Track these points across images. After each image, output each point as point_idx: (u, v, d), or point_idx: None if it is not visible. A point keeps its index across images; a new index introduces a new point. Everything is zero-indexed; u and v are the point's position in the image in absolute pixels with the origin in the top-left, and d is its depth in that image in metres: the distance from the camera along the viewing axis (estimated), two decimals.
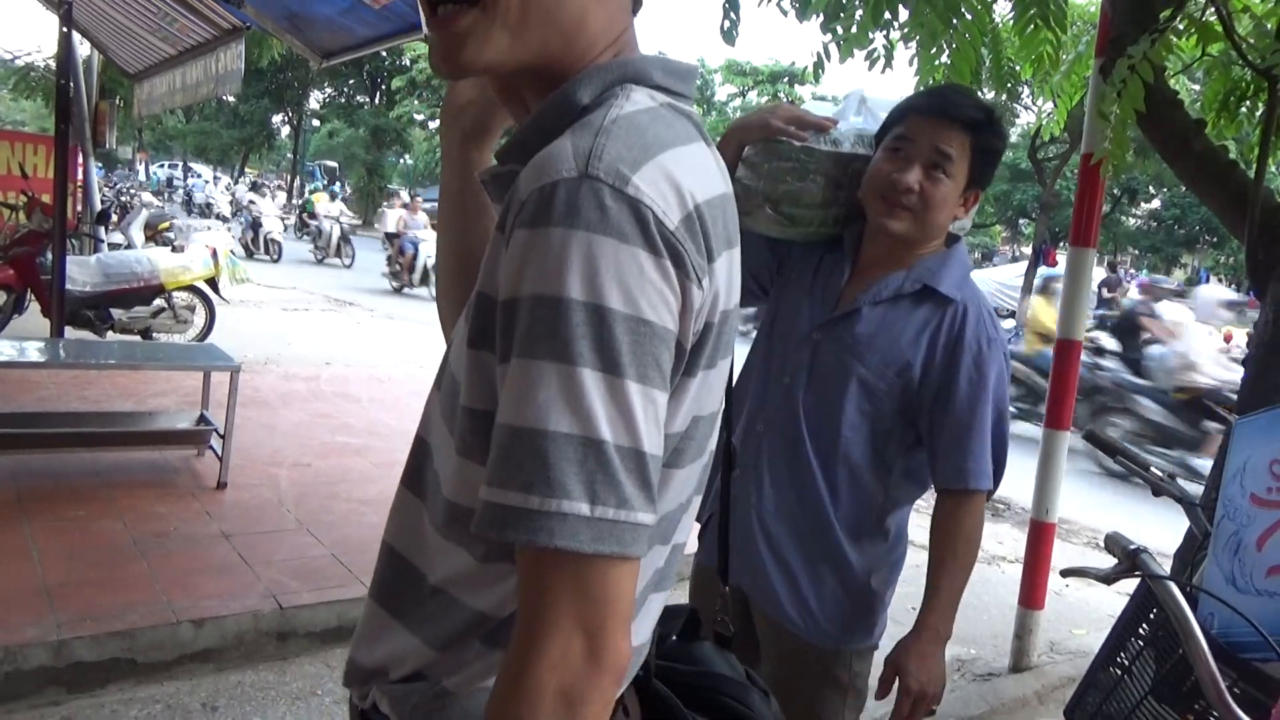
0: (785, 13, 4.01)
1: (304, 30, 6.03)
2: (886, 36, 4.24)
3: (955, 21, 3.09)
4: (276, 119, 43.96)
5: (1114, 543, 1.51)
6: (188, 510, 3.84)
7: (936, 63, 3.30)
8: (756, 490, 1.63)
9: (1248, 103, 3.38)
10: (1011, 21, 3.26)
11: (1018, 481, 6.71)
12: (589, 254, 0.64)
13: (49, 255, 6.18)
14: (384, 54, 33.56)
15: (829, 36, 4.13)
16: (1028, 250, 49.61)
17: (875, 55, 4.20)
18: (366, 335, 9.84)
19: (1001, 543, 5.21)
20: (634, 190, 0.66)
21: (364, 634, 0.86)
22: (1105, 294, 17.33)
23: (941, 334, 1.55)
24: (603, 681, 0.65)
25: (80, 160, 9.35)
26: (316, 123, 50.02)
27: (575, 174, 0.66)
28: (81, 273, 6.54)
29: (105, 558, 3.30)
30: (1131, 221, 38.05)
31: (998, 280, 24.09)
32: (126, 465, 4.28)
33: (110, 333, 6.80)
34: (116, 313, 6.77)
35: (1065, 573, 1.70)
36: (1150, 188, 30.31)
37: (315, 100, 41.73)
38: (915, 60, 4.40)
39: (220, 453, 4.16)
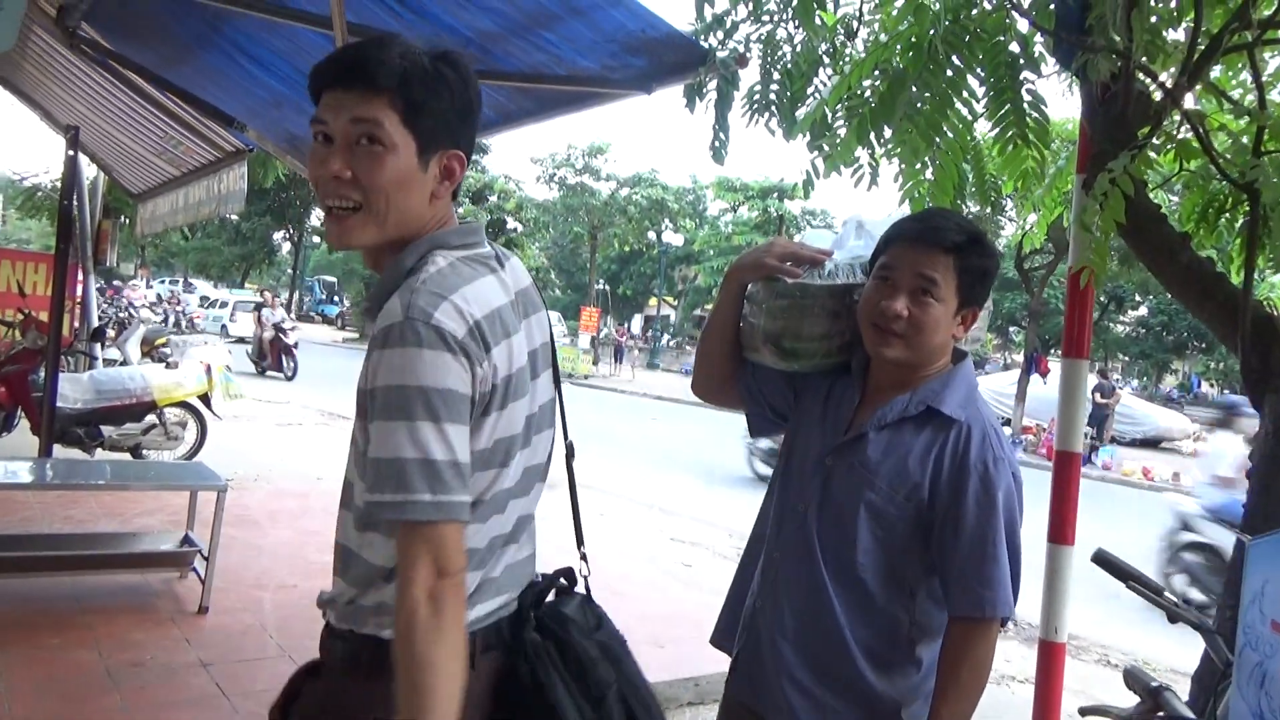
0: (773, 132, 4.12)
1: (304, 151, 6.17)
2: (871, 155, 4.35)
3: (938, 140, 3.16)
4: (277, 236, 44.83)
5: (1135, 680, 1.44)
6: (166, 637, 3.71)
7: (920, 179, 3.36)
8: (777, 618, 1.62)
9: (1226, 215, 3.44)
10: (993, 139, 3.34)
11: (1027, 597, 6.57)
12: (413, 359, 1.13)
13: (42, 373, 6.17)
14: None
15: (816, 154, 4.24)
16: (1018, 358, 50.17)
17: (860, 172, 4.30)
18: None
19: (1009, 661, 5.05)
20: (436, 321, 1.15)
21: (331, 586, 1.36)
22: (1099, 399, 17.41)
23: (946, 456, 1.53)
24: (453, 583, 1.13)
25: (80, 278, 9.46)
26: (316, 239, 51.06)
27: (401, 319, 1.15)
28: (74, 389, 6.51)
29: (77, 690, 3.16)
30: (1120, 328, 38.54)
31: (992, 388, 24.19)
32: (107, 590, 4.15)
33: (100, 449, 6.73)
34: (107, 429, 6.71)
35: (1084, 711, 1.61)
36: (1137, 295, 30.77)
37: (316, 218, 42.61)
38: (899, 177, 4.51)
39: (203, 575, 4.05)
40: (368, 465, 1.15)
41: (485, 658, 1.27)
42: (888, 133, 3.81)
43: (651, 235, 32.98)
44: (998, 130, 3.30)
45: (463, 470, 1.15)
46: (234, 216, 43.78)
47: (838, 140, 4.33)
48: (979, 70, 3.11)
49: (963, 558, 1.49)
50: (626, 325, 49.95)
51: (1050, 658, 3.11)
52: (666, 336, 44.87)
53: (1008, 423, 18.81)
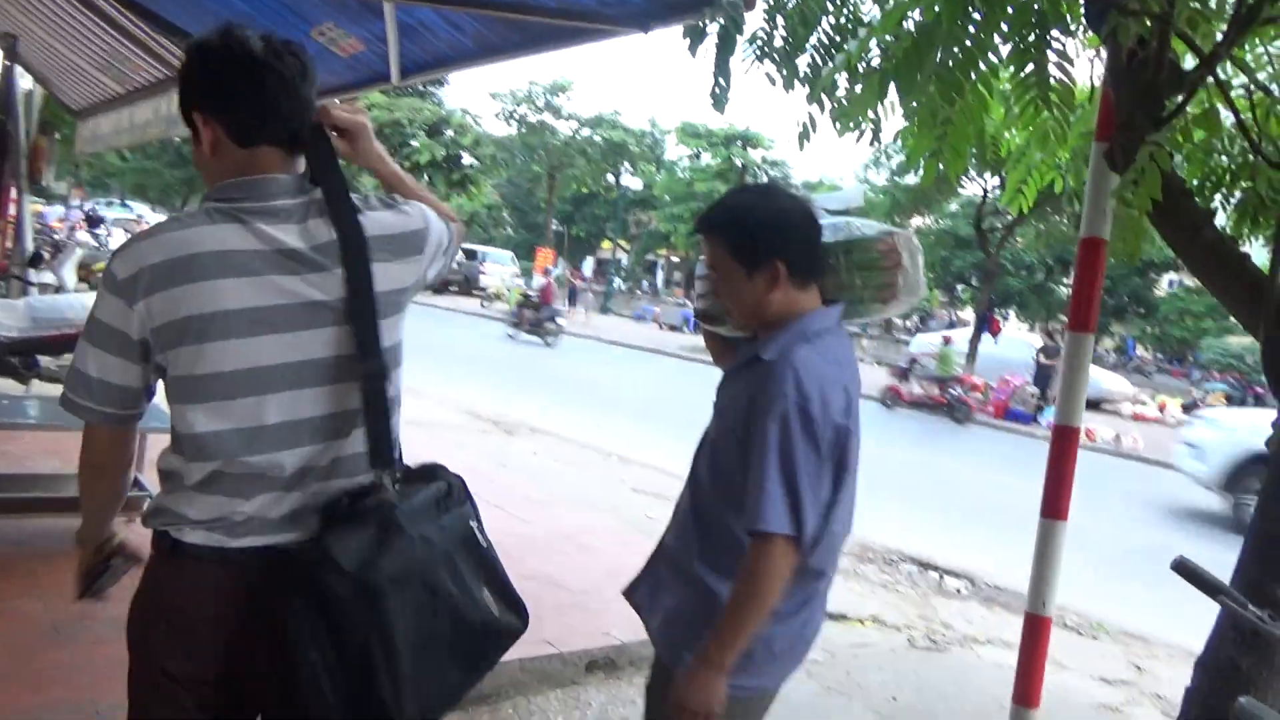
0: (773, 81, 3.94)
1: None
2: (877, 111, 4.19)
3: (956, 101, 3.02)
4: None
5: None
6: (120, 588, 3.50)
7: (932, 140, 3.23)
8: (664, 541, 1.98)
9: (1223, 191, 3.35)
10: (1013, 99, 3.21)
11: (980, 554, 6.70)
12: (97, 292, 1.42)
13: None
14: (337, 99, 33.33)
15: (815, 106, 4.07)
16: (963, 315, 50.96)
17: (863, 128, 4.16)
18: None
19: (971, 622, 5.09)
20: (110, 265, 1.41)
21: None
22: (1043, 360, 17.71)
23: (752, 393, 1.72)
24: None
25: (14, 197, 8.93)
26: None
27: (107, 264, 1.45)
28: (7, 317, 6.10)
29: (21, 646, 2.97)
30: (1064, 290, 39.29)
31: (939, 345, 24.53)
32: (50, 534, 3.92)
33: (36, 381, 6.37)
34: (44, 360, 6.34)
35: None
36: None
37: None
38: (903, 137, 4.36)
39: None
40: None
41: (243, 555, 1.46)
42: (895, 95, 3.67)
43: (610, 178, 32.49)
44: (1018, 90, 3.18)
45: (93, 384, 1.43)
46: (177, 139, 41.99)
47: (840, 95, 4.17)
48: (1003, 27, 2.97)
49: (749, 479, 1.66)
50: (579, 267, 49.54)
51: (1036, 630, 3.09)
52: (618, 281, 44.56)
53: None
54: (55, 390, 6.58)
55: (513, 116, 30.10)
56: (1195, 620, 3.00)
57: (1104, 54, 3.01)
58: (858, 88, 3.78)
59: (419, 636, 1.43)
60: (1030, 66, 3.07)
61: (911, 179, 20.72)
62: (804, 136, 4.12)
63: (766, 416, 1.64)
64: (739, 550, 1.67)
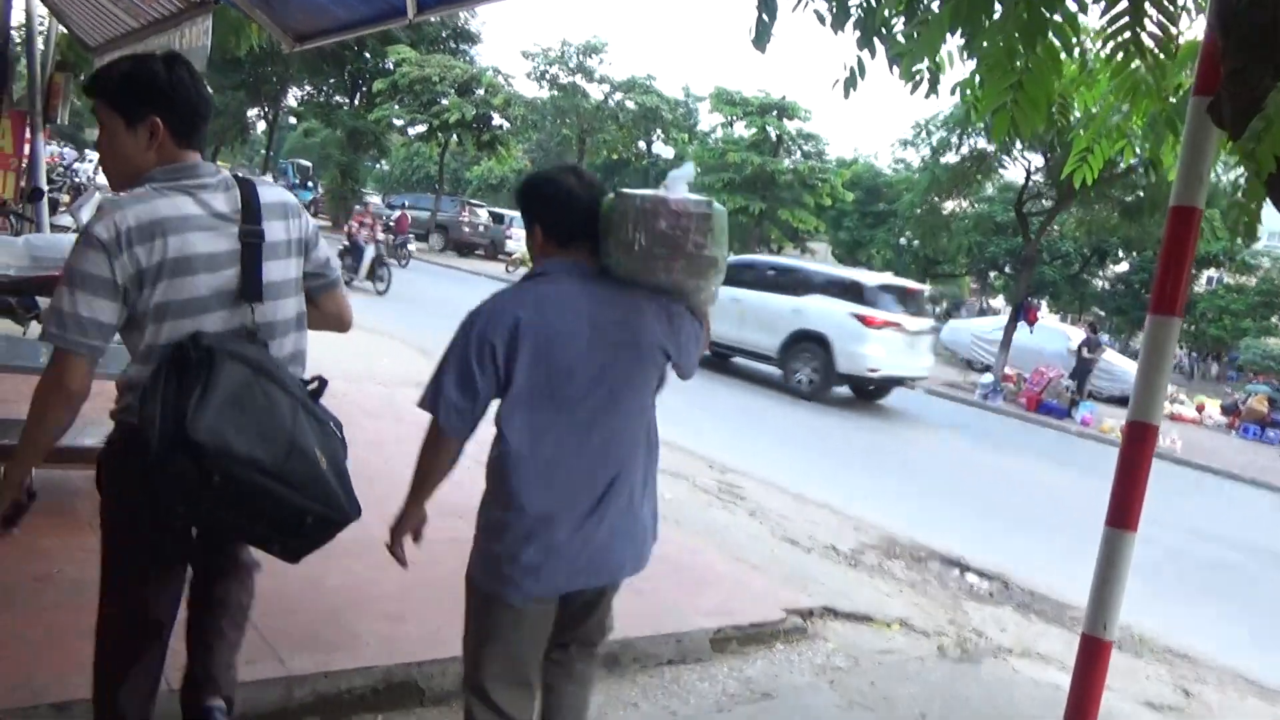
0: (822, 20, 3.54)
1: (276, 8, 5.48)
2: (936, 57, 3.78)
3: (1037, 42, 2.62)
4: (252, 113, 43.02)
5: None
6: (81, 548, 3.21)
7: (1005, 92, 2.82)
8: None
9: None
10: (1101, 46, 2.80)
11: (1011, 554, 6.34)
12: (74, 250, 1.82)
13: None
14: (367, 55, 32.91)
15: (866, 51, 3.67)
16: (995, 303, 50.03)
17: (919, 77, 3.75)
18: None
19: (1005, 630, 4.72)
20: (91, 229, 1.81)
21: None
22: (1085, 354, 17.14)
23: None
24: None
25: (28, 135, 8.69)
26: (293, 120, 49.09)
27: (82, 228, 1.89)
28: (7, 254, 5.86)
29: None
30: (1099, 283, 38.38)
31: (974, 331, 23.95)
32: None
33: (35, 323, 6.12)
34: (44, 302, 6.09)
35: None
36: (1120, 250, 30.44)
37: (293, 98, 40.86)
38: (963, 89, 3.93)
39: None
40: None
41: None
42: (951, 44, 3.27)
43: (641, 145, 31.89)
44: (1105, 37, 2.77)
45: (84, 320, 1.79)
46: (207, 88, 41.72)
47: (898, 37, 3.77)
48: None
49: None
50: None
51: (1094, 655, 2.72)
52: None
53: (989, 369, 18.56)
54: None
55: (544, 77, 29.47)
56: (1243, 641, 2.62)
57: None
58: (916, 32, 3.37)
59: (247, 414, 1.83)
60: (1123, 5, 2.67)
61: (951, 158, 20.04)
62: (850, 84, 3.73)
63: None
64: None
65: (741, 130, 29.78)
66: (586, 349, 2.04)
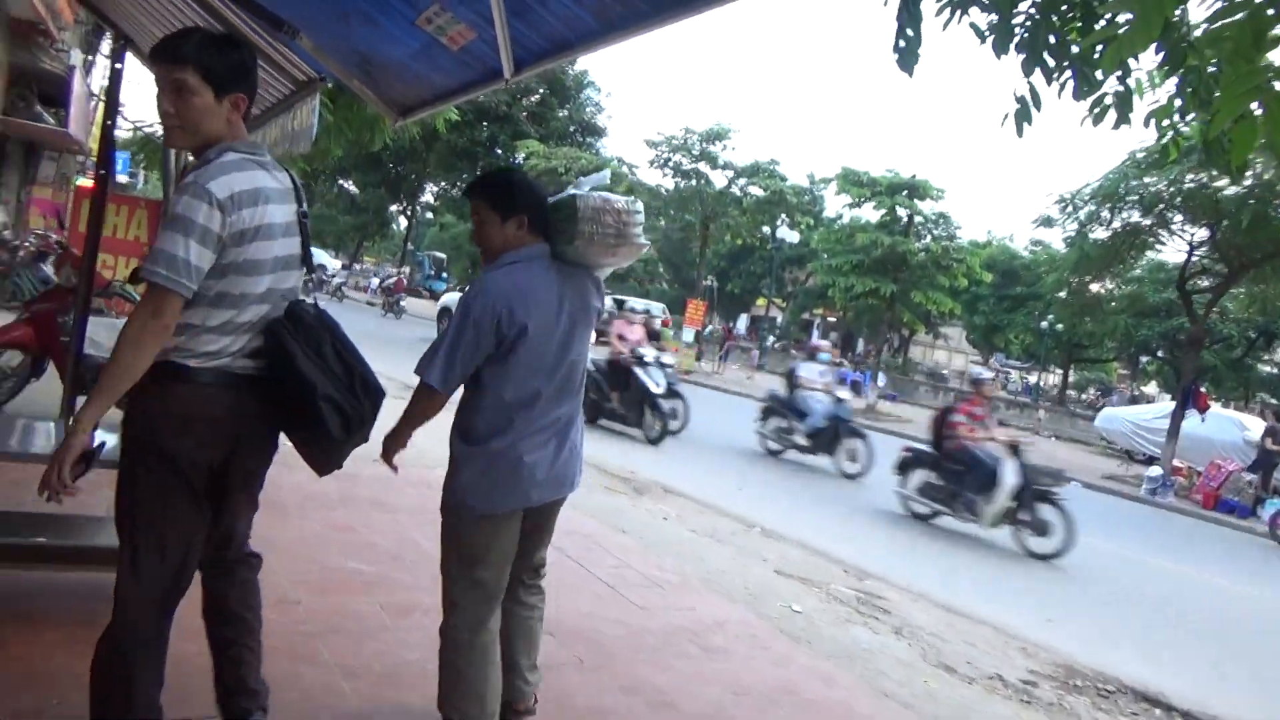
0: (982, 37, 2.90)
1: (377, 78, 5.25)
2: (1122, 79, 3.07)
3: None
4: (392, 208, 45.21)
5: None
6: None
7: (1248, 92, 2.09)
8: None
9: None
10: None
11: (1213, 691, 5.23)
12: (184, 201, 2.03)
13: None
14: (498, 150, 34.08)
15: (1040, 75, 3.00)
16: (1147, 389, 46.63)
17: (1104, 104, 3.04)
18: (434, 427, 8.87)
19: None
20: (207, 187, 2.03)
21: None
22: (1270, 445, 15.23)
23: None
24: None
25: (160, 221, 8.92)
26: (430, 215, 51.29)
27: (192, 180, 2.08)
28: (107, 336, 5.75)
29: None
30: (1267, 368, 35.22)
31: (1132, 419, 21.92)
32: (44, 587, 3.26)
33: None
34: None
35: None
36: None
37: (430, 193, 42.74)
38: (1158, 118, 3.21)
39: None
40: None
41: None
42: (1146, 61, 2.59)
43: (765, 230, 31.43)
44: None
45: (193, 264, 2.02)
46: (352, 187, 44.36)
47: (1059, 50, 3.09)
48: None
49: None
50: (732, 324, 48.56)
51: None
52: (772, 338, 43.18)
53: (1154, 460, 16.79)
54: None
55: (667, 164, 29.60)
56: None
57: None
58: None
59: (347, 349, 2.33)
60: None
61: (1100, 234, 18.65)
62: (1023, 116, 3.05)
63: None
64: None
65: (870, 211, 28.98)
66: (557, 317, 2.60)
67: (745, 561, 5.90)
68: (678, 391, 11.39)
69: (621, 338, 11.56)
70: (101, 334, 5.77)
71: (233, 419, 2.16)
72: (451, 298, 21.18)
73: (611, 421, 11.38)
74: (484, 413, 2.54)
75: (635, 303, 32.36)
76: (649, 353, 11.22)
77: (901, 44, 2.70)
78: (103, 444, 2.08)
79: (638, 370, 10.93)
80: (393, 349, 14.79)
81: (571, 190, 2.62)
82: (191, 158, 2.26)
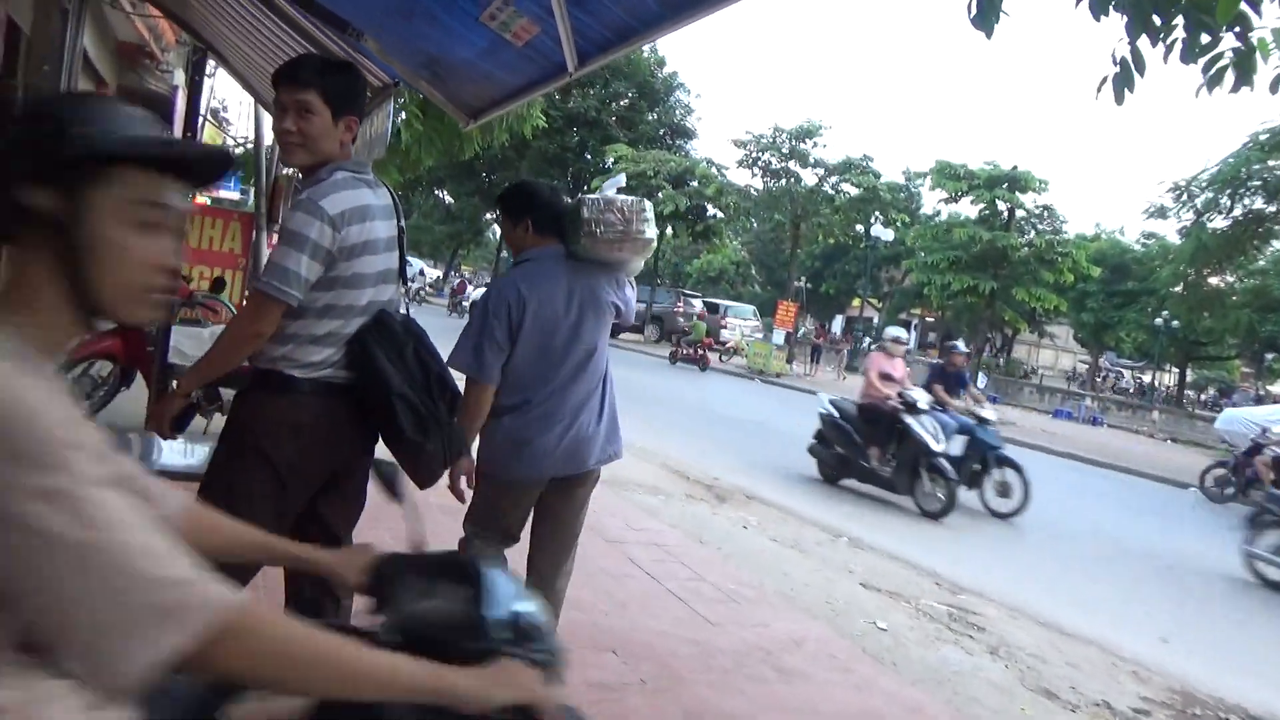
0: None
1: (445, 79, 5.21)
2: (1242, 34, 2.73)
3: None
4: (486, 217, 45.97)
5: None
6: None
7: None
8: None
9: None
10: None
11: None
12: (299, 217, 2.22)
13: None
14: (588, 155, 34.25)
15: (1145, 38, 2.69)
16: (1274, 388, 43.82)
17: (1220, 66, 2.70)
18: None
19: None
20: (320, 204, 2.22)
21: None
22: None
23: None
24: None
25: (254, 235, 9.17)
26: None
27: (306, 197, 2.24)
28: (192, 346, 5.85)
29: None
30: None
31: (1259, 421, 20.38)
32: None
33: (218, 415, 6.05)
34: (227, 393, 6.02)
35: None
36: None
37: None
38: None
39: None
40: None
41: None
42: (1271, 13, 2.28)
43: (859, 228, 30.71)
44: None
45: (301, 274, 2.18)
46: (448, 197, 45.28)
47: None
48: None
49: None
50: (826, 326, 47.69)
51: None
52: (868, 340, 42.10)
53: None
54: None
55: (756, 164, 29.19)
56: None
57: None
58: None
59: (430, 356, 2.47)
60: None
61: (1219, 222, 17.50)
62: (1123, 82, 2.74)
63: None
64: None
65: (968, 206, 27.99)
66: (565, 307, 2.87)
67: (829, 574, 5.62)
68: (1008, 458, 9.00)
69: (886, 377, 9.03)
70: (186, 344, 5.88)
71: (331, 426, 2.30)
72: (479, 293, 21.81)
73: (865, 484, 8.98)
74: (501, 394, 2.85)
75: (724, 304, 32.01)
76: (920, 397, 8.70)
77: (982, 3, 2.43)
78: (199, 401, 2.48)
79: (909, 420, 8.48)
80: (450, 336, 14.86)
81: (590, 196, 2.93)
82: (301, 176, 2.42)
